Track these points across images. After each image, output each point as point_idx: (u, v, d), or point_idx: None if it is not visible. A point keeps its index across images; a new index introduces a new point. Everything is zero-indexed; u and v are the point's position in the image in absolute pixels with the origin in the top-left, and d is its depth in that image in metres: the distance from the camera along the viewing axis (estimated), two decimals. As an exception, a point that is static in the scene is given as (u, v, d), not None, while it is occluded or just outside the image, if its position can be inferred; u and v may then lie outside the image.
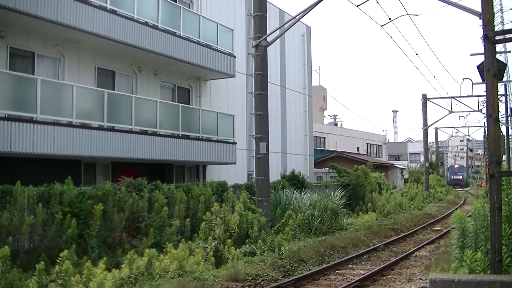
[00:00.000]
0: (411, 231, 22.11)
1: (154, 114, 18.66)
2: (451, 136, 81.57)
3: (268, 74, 17.67)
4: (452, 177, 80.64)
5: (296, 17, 17.86)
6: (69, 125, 15.17)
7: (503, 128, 37.02)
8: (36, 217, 12.05)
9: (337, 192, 23.43)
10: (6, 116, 13.50)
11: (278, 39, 19.24)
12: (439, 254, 15.15)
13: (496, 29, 7.93)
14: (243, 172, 25.62)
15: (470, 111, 43.85)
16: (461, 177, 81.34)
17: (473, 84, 36.93)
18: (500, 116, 9.75)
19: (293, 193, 21.14)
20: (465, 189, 71.84)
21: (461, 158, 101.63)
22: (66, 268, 9.36)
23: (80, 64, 17.62)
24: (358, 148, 55.46)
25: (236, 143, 22.96)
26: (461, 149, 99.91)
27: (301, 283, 11.98)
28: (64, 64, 17.03)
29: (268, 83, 17.87)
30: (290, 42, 31.98)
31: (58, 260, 9.92)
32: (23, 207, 12.08)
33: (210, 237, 13.63)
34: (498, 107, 7.75)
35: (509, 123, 35.93)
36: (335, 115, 72.37)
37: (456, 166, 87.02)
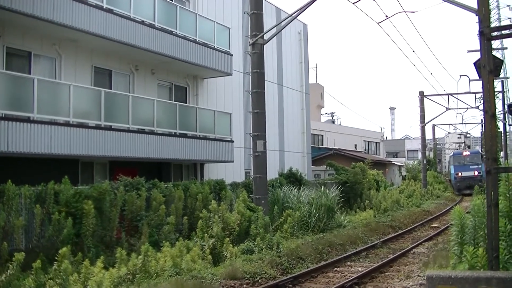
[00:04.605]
0: (409, 228, 22.14)
1: (151, 113, 18.66)
2: (449, 133, 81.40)
3: (265, 72, 17.66)
4: (459, 173, 47.28)
5: (293, 15, 17.86)
6: (66, 124, 15.15)
7: (501, 125, 37.10)
8: (34, 217, 12.07)
9: (333, 189, 23.43)
10: (3, 115, 13.48)
11: (275, 37, 19.25)
12: (437, 251, 15.17)
13: (492, 25, 7.94)
14: (241, 170, 25.62)
15: (467, 108, 44.18)
16: (476, 173, 45.98)
17: (470, 81, 37.12)
18: (497, 113, 9.78)
19: (291, 190, 21.15)
20: None
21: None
22: (65, 268, 9.34)
23: (77, 63, 17.60)
24: (355, 145, 55.50)
25: (233, 141, 22.97)
26: (458, 146, 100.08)
27: (299, 281, 11.98)
28: (61, 63, 17.00)
29: (265, 81, 17.87)
30: (287, 40, 31.96)
31: (55, 259, 9.92)
32: (20, 207, 12.09)
33: (206, 235, 13.64)
34: (494, 104, 7.78)
35: (506, 120, 36.03)
36: (332, 113, 72.07)
37: (466, 153, 51.13)
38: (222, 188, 18.66)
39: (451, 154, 55.92)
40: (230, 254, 13.08)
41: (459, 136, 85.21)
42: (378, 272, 13.04)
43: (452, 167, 49.58)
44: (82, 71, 17.72)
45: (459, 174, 47.13)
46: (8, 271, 9.24)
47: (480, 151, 52.58)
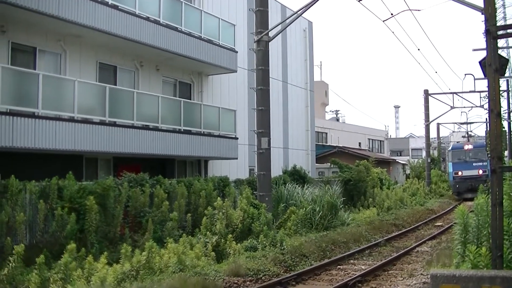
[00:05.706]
0: (412, 226, 22.11)
1: (155, 109, 18.66)
2: (453, 131, 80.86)
3: (269, 69, 17.66)
4: (459, 172, 37.72)
5: (298, 12, 17.82)
6: (71, 120, 15.17)
7: (505, 124, 36.92)
8: (38, 213, 12.11)
9: (336, 187, 23.40)
10: (8, 111, 13.50)
11: (280, 34, 19.24)
12: (441, 249, 15.16)
13: (498, 24, 7.91)
14: (245, 167, 25.63)
15: (472, 107, 43.79)
16: (480, 172, 36.61)
17: (475, 79, 36.82)
18: (502, 112, 9.76)
19: (295, 188, 21.14)
20: None
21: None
22: (66, 262, 9.37)
23: (82, 59, 17.61)
24: (360, 143, 55.40)
25: (237, 138, 22.97)
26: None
27: (302, 278, 11.99)
28: (66, 59, 17.02)
29: (270, 78, 17.87)
30: (292, 37, 31.91)
31: (59, 255, 9.96)
32: (24, 202, 12.13)
33: (208, 232, 13.65)
34: (500, 103, 7.75)
35: (511, 119, 35.86)
36: (337, 111, 71.91)
37: (469, 147, 39.74)
38: (226, 185, 18.67)
39: (449, 148, 44.10)
40: (233, 251, 13.10)
41: (463, 135, 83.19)
42: (381, 270, 13.03)
43: (450, 164, 39.52)
44: (87, 67, 17.74)
45: (459, 173, 37.69)
46: (10, 264, 9.28)
47: (485, 144, 38.17)
